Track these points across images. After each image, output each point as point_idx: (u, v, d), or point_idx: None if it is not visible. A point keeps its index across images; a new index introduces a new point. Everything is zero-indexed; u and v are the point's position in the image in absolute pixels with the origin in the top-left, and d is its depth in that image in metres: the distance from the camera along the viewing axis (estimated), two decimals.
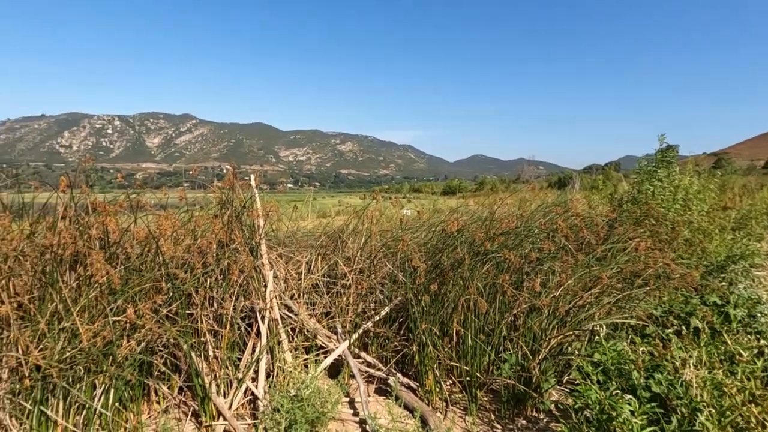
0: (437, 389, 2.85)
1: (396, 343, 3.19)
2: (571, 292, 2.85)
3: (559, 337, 2.76)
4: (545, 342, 2.75)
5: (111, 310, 2.26)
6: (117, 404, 2.27)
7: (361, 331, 3.17)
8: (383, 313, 3.22)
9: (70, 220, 2.65)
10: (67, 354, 2.18)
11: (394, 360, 3.13)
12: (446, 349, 2.85)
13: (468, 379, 2.80)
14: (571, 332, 2.77)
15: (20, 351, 2.12)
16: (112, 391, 2.25)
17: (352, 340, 3.11)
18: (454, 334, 2.87)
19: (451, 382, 2.97)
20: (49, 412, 2.17)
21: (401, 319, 3.28)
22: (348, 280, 3.33)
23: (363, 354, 3.17)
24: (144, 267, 2.59)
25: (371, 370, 3.06)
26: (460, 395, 2.88)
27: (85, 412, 2.22)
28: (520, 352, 2.75)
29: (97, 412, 2.23)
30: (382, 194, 4.37)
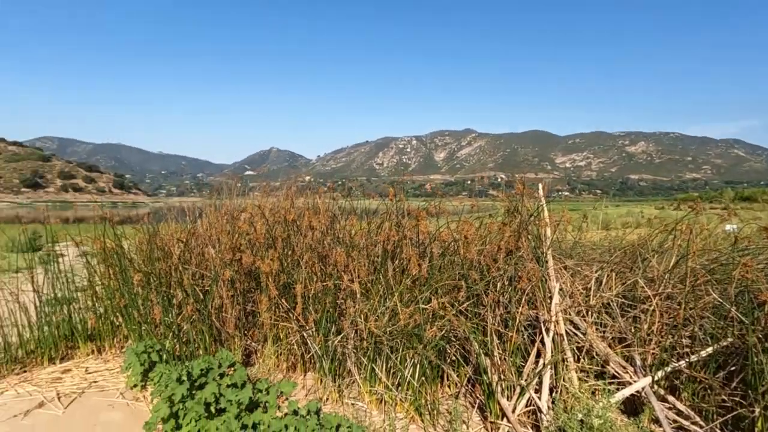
0: None
1: (723, 398, 2.47)
2: None
3: None
4: None
5: (421, 299, 2.72)
6: (422, 378, 2.71)
7: (669, 369, 2.62)
8: (704, 354, 2.55)
9: (392, 221, 3.36)
10: (389, 328, 2.76)
11: (721, 420, 2.42)
12: None
13: None
14: None
15: (362, 318, 2.85)
16: (418, 366, 2.70)
17: (656, 378, 2.61)
18: None
19: None
20: (377, 369, 2.81)
21: (733, 368, 2.51)
22: (651, 305, 2.82)
23: (671, 398, 2.60)
24: (443, 266, 2.98)
25: (684, 422, 2.47)
26: None
27: (399, 376, 2.76)
28: None
29: (407, 379, 2.73)
30: (689, 203, 3.46)
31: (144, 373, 2.94)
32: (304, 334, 3.03)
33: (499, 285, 2.85)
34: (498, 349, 2.74)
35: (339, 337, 2.91)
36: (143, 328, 3.53)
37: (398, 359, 2.75)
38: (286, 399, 2.61)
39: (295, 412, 2.13)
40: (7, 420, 2.59)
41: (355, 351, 2.93)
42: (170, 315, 3.35)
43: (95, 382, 3.13)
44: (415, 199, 3.81)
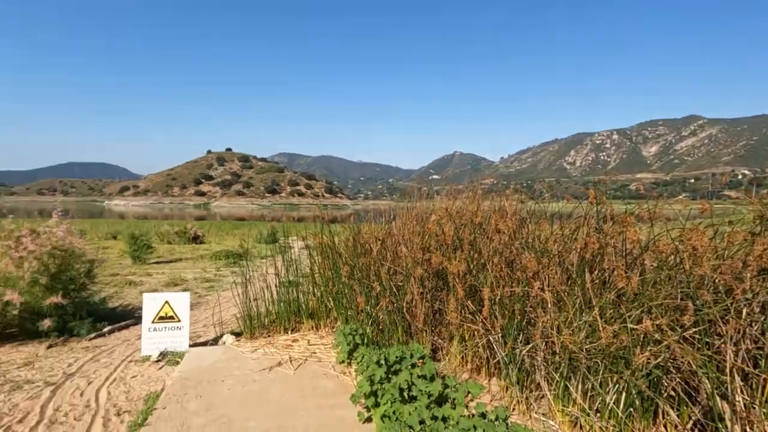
0: None
1: None
2: None
3: None
4: None
5: (628, 317, 2.35)
6: (629, 409, 2.34)
7: None
8: None
9: (592, 227, 3.01)
10: (587, 345, 2.48)
11: None
12: None
13: None
14: None
15: (554, 330, 2.64)
16: (624, 394, 2.34)
17: None
18: None
19: None
20: (570, 388, 2.57)
21: None
22: None
23: None
24: (659, 281, 2.51)
25: None
26: None
27: (598, 401, 2.45)
28: None
29: (608, 406, 2.40)
30: None
31: (349, 352, 3.41)
32: (491, 338, 3.00)
33: (744, 311, 2.23)
34: (742, 393, 2.14)
35: (528, 347, 2.77)
36: (348, 313, 4.11)
37: (598, 381, 2.44)
38: (472, 400, 2.64)
39: (483, 415, 2.13)
40: (259, 371, 3.40)
41: (545, 364, 2.74)
42: (369, 304, 3.80)
43: (314, 353, 3.80)
44: (616, 202, 3.32)
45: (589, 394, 2.53)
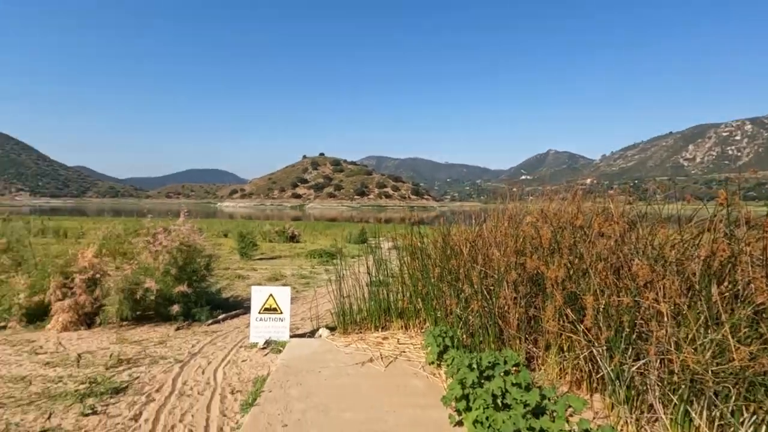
0: None
1: None
2: None
3: None
4: None
5: None
6: None
7: None
8: None
9: (720, 232, 2.63)
10: (715, 367, 2.17)
11: None
12: None
13: None
14: None
15: (672, 346, 2.36)
16: (764, 427, 2.01)
17: None
18: None
19: None
20: (692, 414, 2.27)
21: None
22: None
23: None
24: None
25: None
26: None
27: (729, 431, 2.13)
28: None
29: None
30: None
31: (439, 354, 3.40)
32: (594, 351, 2.77)
33: None
34: None
35: (639, 364, 2.51)
36: (437, 314, 4.10)
37: (729, 409, 2.12)
38: (572, 414, 2.47)
39: None
40: (353, 365, 3.55)
41: (659, 384, 2.45)
42: (459, 307, 3.75)
43: (404, 352, 3.87)
44: (751, 203, 2.85)
45: (716, 423, 2.21)
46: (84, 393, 3.09)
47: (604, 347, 2.72)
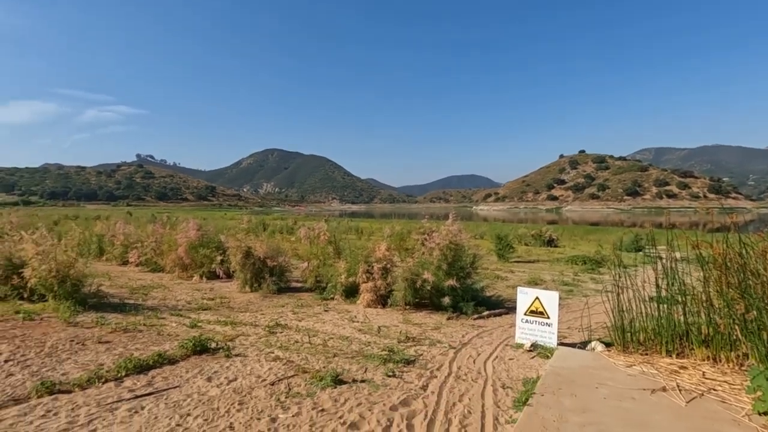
0: None
1: None
2: None
3: None
4: None
5: None
6: None
7: None
8: None
9: None
10: None
11: None
12: None
13: None
14: None
15: None
16: None
17: None
18: None
19: None
20: None
21: None
22: None
23: None
24: None
25: None
26: None
27: None
28: None
29: None
30: None
31: None
32: None
33: None
34: None
35: None
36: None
37: None
38: None
39: None
40: (638, 390, 3.07)
41: None
42: None
43: (713, 389, 3.05)
44: None
45: None
46: (385, 358, 3.86)
47: None
